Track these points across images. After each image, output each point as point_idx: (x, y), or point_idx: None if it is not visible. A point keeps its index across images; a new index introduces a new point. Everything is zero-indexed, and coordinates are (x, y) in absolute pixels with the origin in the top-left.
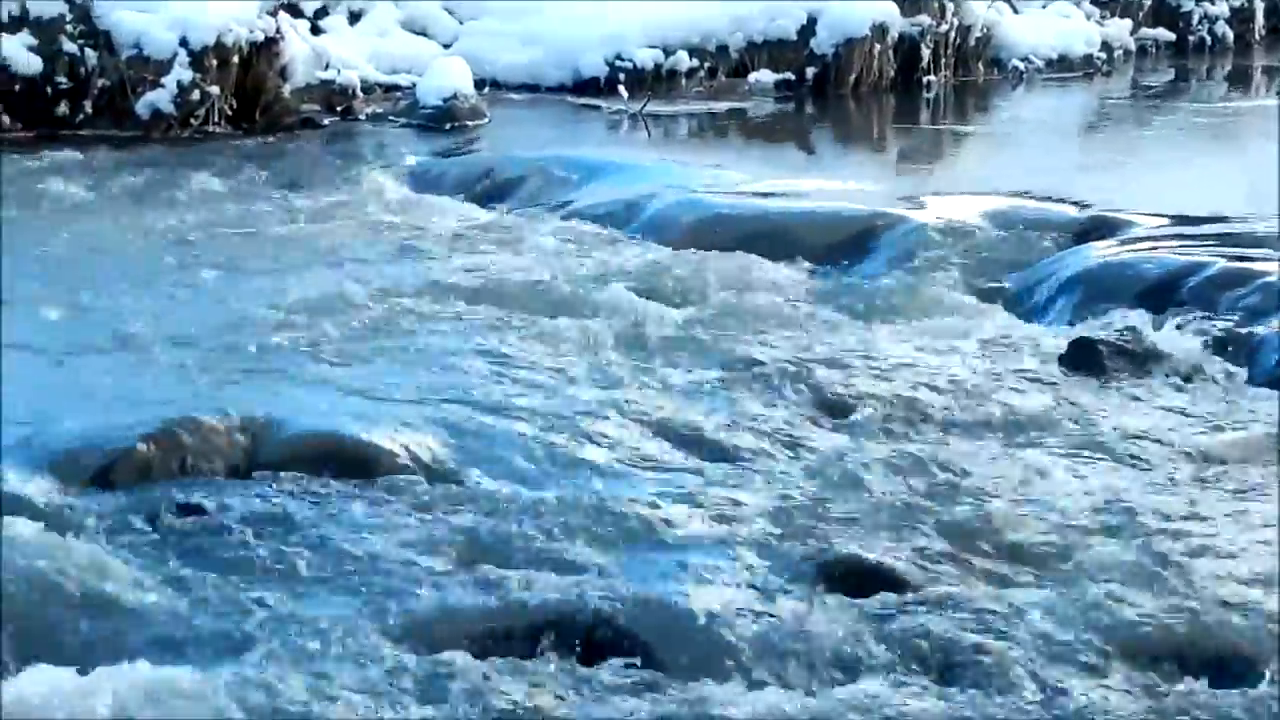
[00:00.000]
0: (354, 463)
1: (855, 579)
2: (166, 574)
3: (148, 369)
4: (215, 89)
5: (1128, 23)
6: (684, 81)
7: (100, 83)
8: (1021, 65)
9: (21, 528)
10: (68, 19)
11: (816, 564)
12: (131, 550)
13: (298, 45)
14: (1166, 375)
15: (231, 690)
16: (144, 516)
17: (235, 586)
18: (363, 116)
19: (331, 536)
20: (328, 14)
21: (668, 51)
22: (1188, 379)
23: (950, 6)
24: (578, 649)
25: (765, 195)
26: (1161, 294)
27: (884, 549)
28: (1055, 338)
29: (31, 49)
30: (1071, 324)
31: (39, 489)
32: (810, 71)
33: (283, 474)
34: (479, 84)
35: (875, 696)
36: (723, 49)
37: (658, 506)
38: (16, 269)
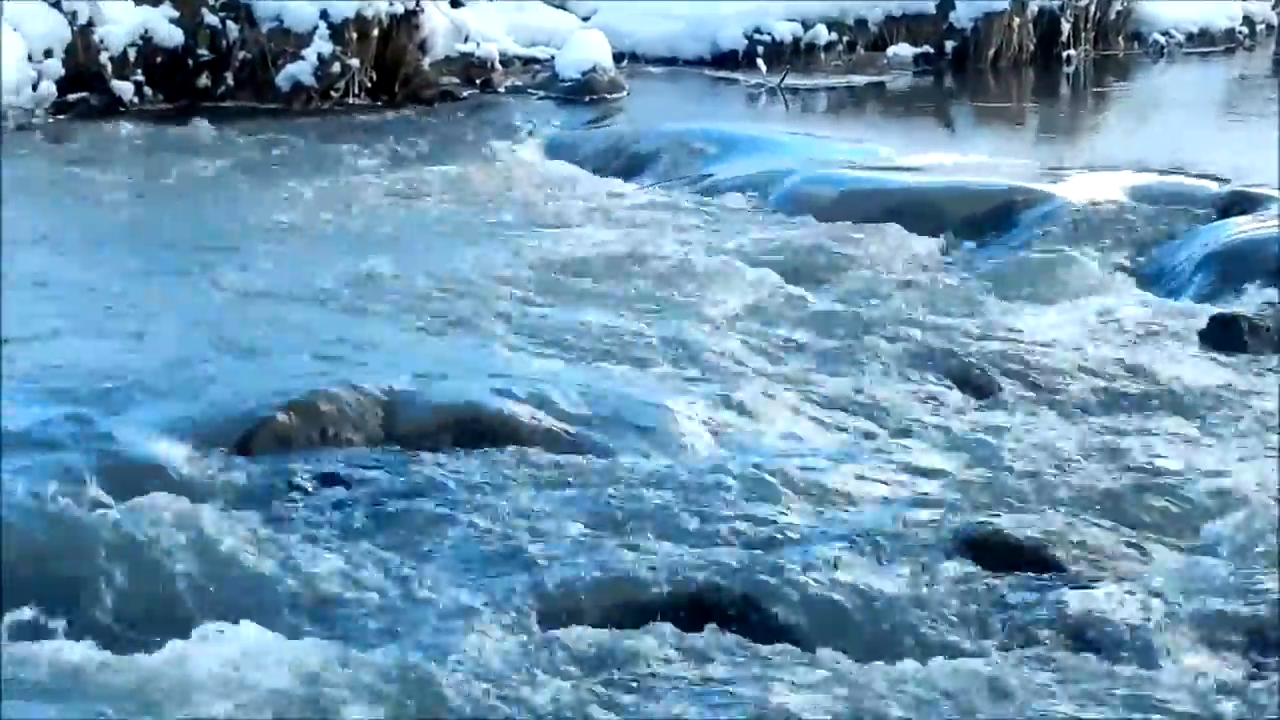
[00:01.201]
0: (490, 434)
1: (996, 553)
2: (303, 544)
3: (286, 340)
4: (355, 61)
5: None
6: (822, 55)
7: (241, 55)
8: (1162, 39)
9: (161, 496)
10: None
11: (957, 538)
12: (269, 520)
13: (437, 18)
14: None
15: (365, 658)
16: (282, 486)
17: (371, 557)
18: (501, 89)
19: (467, 507)
20: None
21: (806, 25)
22: None
23: None
24: (711, 620)
25: (905, 169)
26: None
27: (1025, 523)
28: (1195, 314)
29: (173, 21)
30: (1211, 300)
31: (180, 457)
32: (949, 45)
33: (419, 445)
34: (617, 57)
35: (1015, 670)
36: (861, 23)
37: (796, 479)
38: (162, 240)
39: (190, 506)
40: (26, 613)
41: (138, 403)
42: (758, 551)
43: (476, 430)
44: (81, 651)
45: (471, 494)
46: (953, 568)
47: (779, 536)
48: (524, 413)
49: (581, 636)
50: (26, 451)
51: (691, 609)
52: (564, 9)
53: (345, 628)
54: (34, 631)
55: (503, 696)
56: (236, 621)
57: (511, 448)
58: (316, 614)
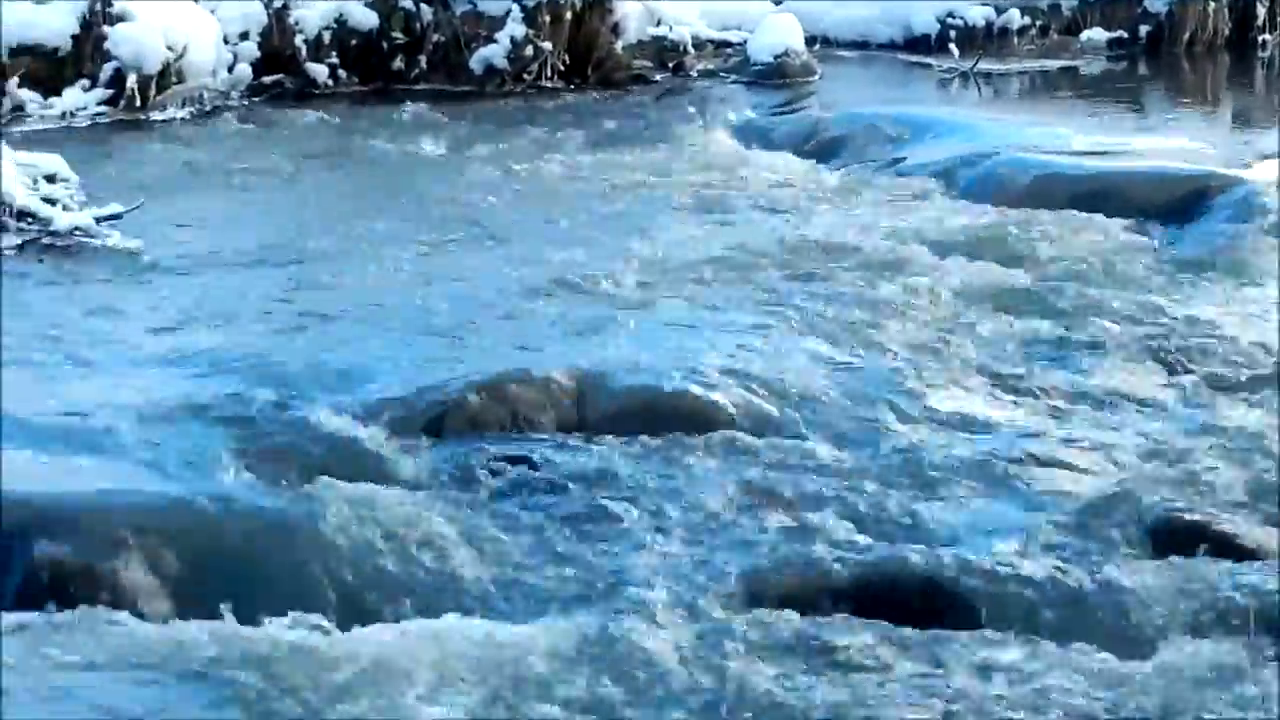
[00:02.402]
0: (680, 419)
1: (1189, 540)
2: (492, 527)
3: (477, 323)
4: (548, 45)
5: None
6: (1015, 40)
7: (435, 38)
8: None
9: (352, 478)
10: None
11: (1148, 524)
12: (458, 502)
13: (630, 2)
14: None
15: (555, 643)
16: (471, 468)
17: (560, 541)
18: (694, 73)
19: (656, 492)
20: None
21: (999, 10)
22: None
23: None
24: (900, 607)
25: (1099, 154)
26: None
27: (1223, 510)
28: None
29: (369, 5)
30: None
31: (371, 439)
32: (1143, 30)
33: (609, 429)
34: (809, 40)
35: (1206, 660)
36: (1054, 7)
37: (992, 464)
38: (355, 222)
39: (380, 489)
40: (224, 598)
41: (328, 385)
42: (947, 537)
43: (667, 414)
44: (269, 626)
45: (661, 478)
46: (1149, 553)
47: (971, 522)
48: (716, 398)
49: (767, 622)
50: (222, 434)
51: (878, 595)
52: None
53: (534, 610)
54: (224, 608)
55: (691, 681)
56: (428, 604)
57: (703, 433)
58: (505, 596)
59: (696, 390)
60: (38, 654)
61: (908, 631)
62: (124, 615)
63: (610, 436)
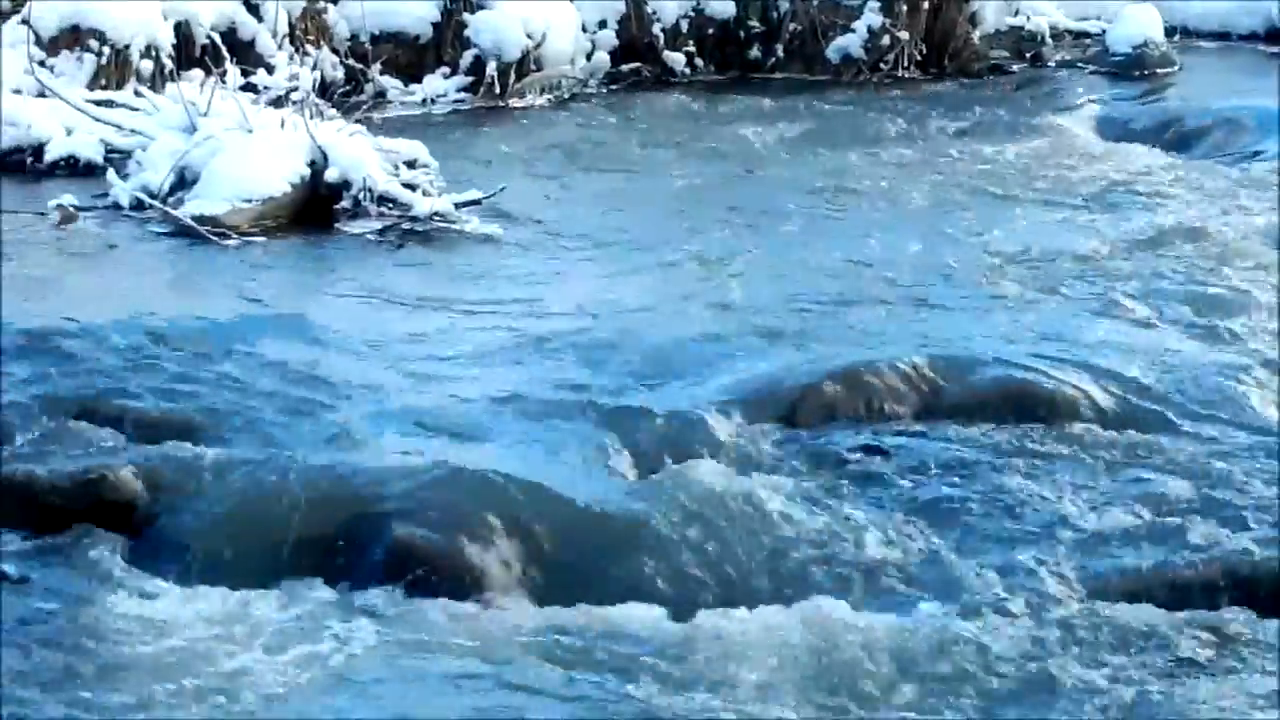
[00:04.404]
0: (1036, 410)
1: None
2: (847, 514)
3: (835, 308)
4: (905, 34)
5: None
6: None
7: (792, 27)
8: None
9: (709, 463)
10: None
11: None
12: (811, 491)
13: None
14: None
15: (906, 632)
16: (825, 457)
17: (911, 531)
18: (1051, 64)
19: (1010, 484)
20: None
21: None
22: None
23: None
24: (1261, 604)
25: None
26: None
27: None
28: None
29: None
30: None
31: (728, 425)
32: None
33: (964, 419)
34: (1169, 31)
35: None
36: None
37: None
38: (711, 211)
39: (734, 477)
40: (577, 584)
41: (684, 372)
42: None
43: (1025, 404)
44: (621, 614)
45: (1016, 468)
46: None
47: None
48: (1075, 388)
49: (1116, 618)
50: (578, 420)
51: (1233, 593)
52: None
53: (879, 601)
54: (578, 594)
55: (1040, 672)
56: (778, 589)
57: (1061, 423)
58: (852, 586)
59: (1050, 381)
60: (391, 635)
61: (1270, 625)
62: (477, 599)
63: (963, 426)
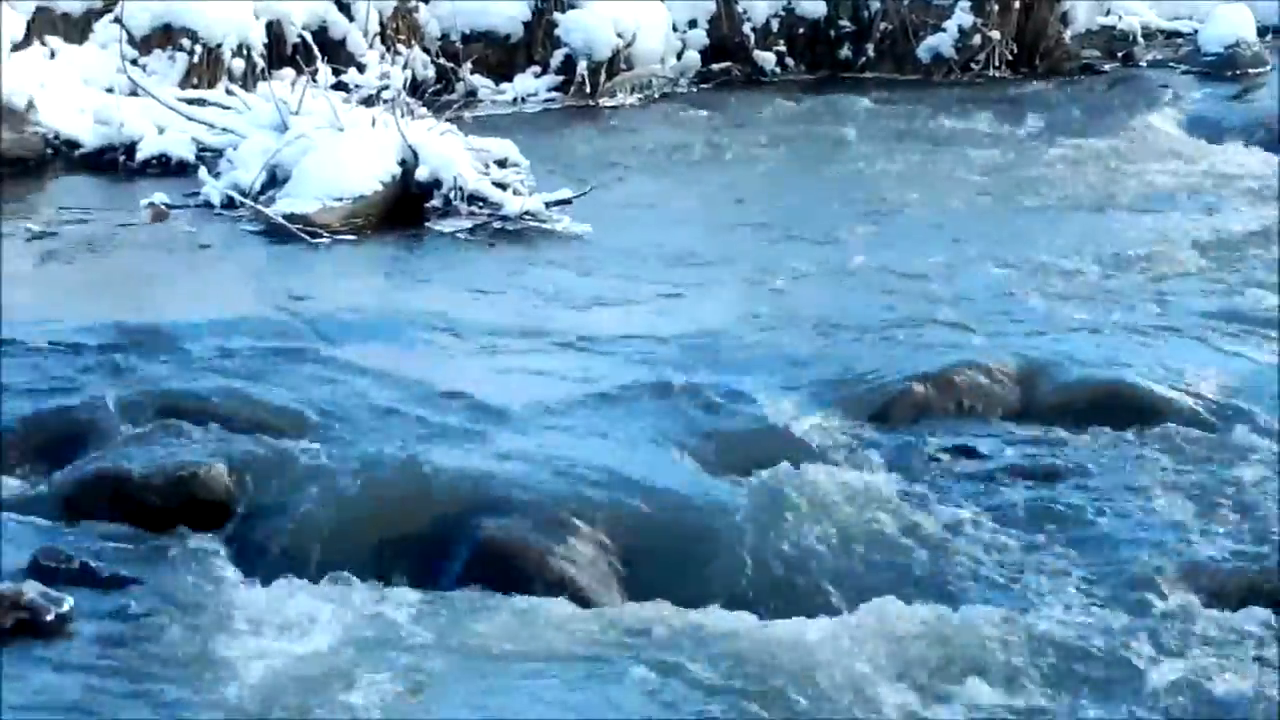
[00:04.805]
0: (1126, 412)
1: None
2: (935, 516)
3: (921, 311)
4: (996, 34)
5: None
6: None
7: (883, 26)
8: None
9: (800, 463)
10: None
11: None
12: (902, 491)
13: None
14: None
15: (995, 634)
16: (917, 457)
17: (1005, 530)
18: (1143, 64)
19: (1102, 484)
20: None
21: None
22: None
23: None
24: None
25: None
26: None
27: None
28: None
29: None
30: None
31: (819, 425)
32: None
33: (1057, 420)
34: (1261, 31)
35: None
36: None
37: None
38: (803, 210)
39: (824, 476)
40: (664, 583)
41: (775, 371)
42: None
43: (1116, 406)
44: (709, 614)
45: (1108, 469)
46: None
47: None
48: (1168, 391)
49: (1214, 616)
50: (668, 418)
51: None
52: None
53: (978, 598)
54: (667, 593)
55: (1132, 672)
56: (866, 590)
57: (1152, 424)
58: (949, 584)
59: (1141, 383)
60: (479, 633)
61: None
62: (565, 598)
63: (1055, 428)
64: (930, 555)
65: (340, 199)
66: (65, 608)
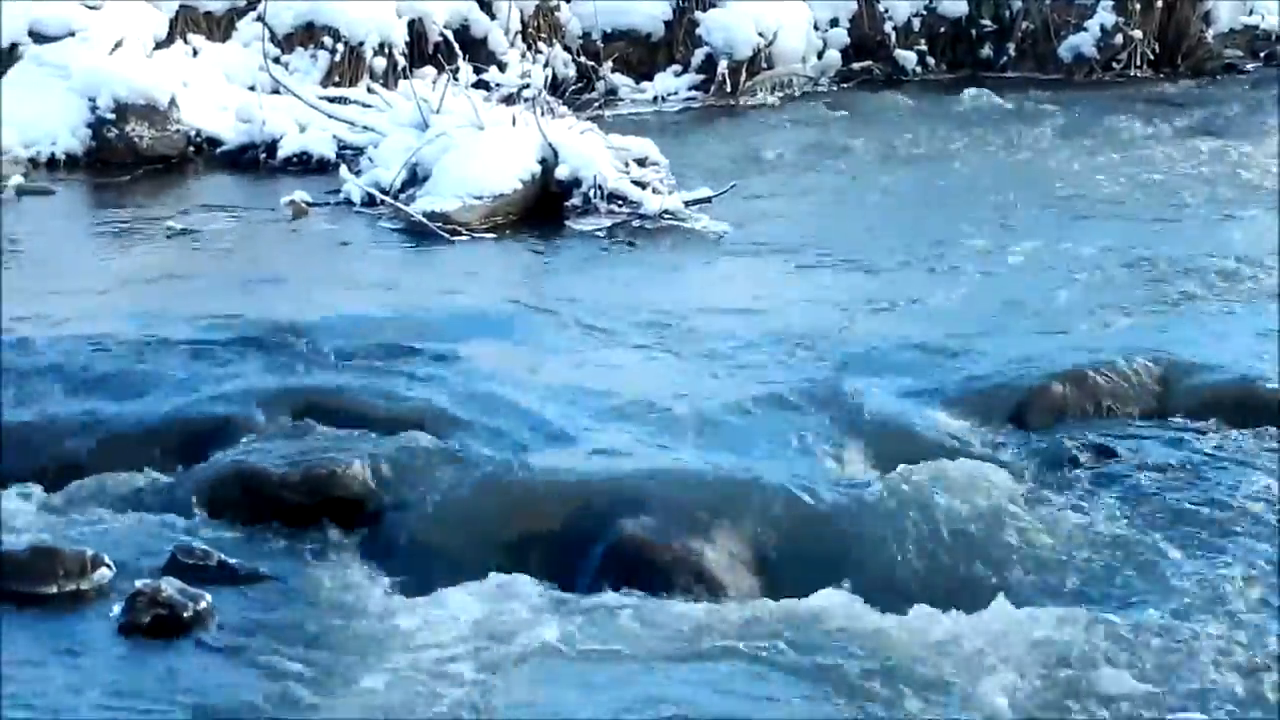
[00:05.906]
0: (1265, 412)
1: None
2: (1070, 516)
3: (1058, 311)
4: (1138, 33)
5: None
6: None
7: (1024, 25)
8: None
9: (937, 462)
10: None
11: None
12: (1037, 490)
13: None
14: None
15: (1132, 634)
16: (1053, 457)
17: (1144, 530)
18: None
19: (1241, 485)
20: None
21: None
22: None
23: None
24: None
25: None
26: None
27: None
28: None
29: None
30: None
31: (954, 424)
32: None
33: (1195, 420)
34: None
35: None
36: None
37: None
38: (938, 209)
39: (960, 476)
40: (801, 582)
41: (910, 371)
42: None
43: (1251, 407)
44: (847, 612)
45: (1246, 470)
46: None
47: None
48: None
49: None
50: (803, 417)
51: None
52: None
53: (1115, 598)
54: (804, 593)
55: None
56: (1004, 589)
57: None
58: (1086, 584)
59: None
60: (614, 632)
61: None
62: (701, 597)
63: (1195, 428)
64: (1068, 554)
65: (480, 197)
66: (203, 604)
